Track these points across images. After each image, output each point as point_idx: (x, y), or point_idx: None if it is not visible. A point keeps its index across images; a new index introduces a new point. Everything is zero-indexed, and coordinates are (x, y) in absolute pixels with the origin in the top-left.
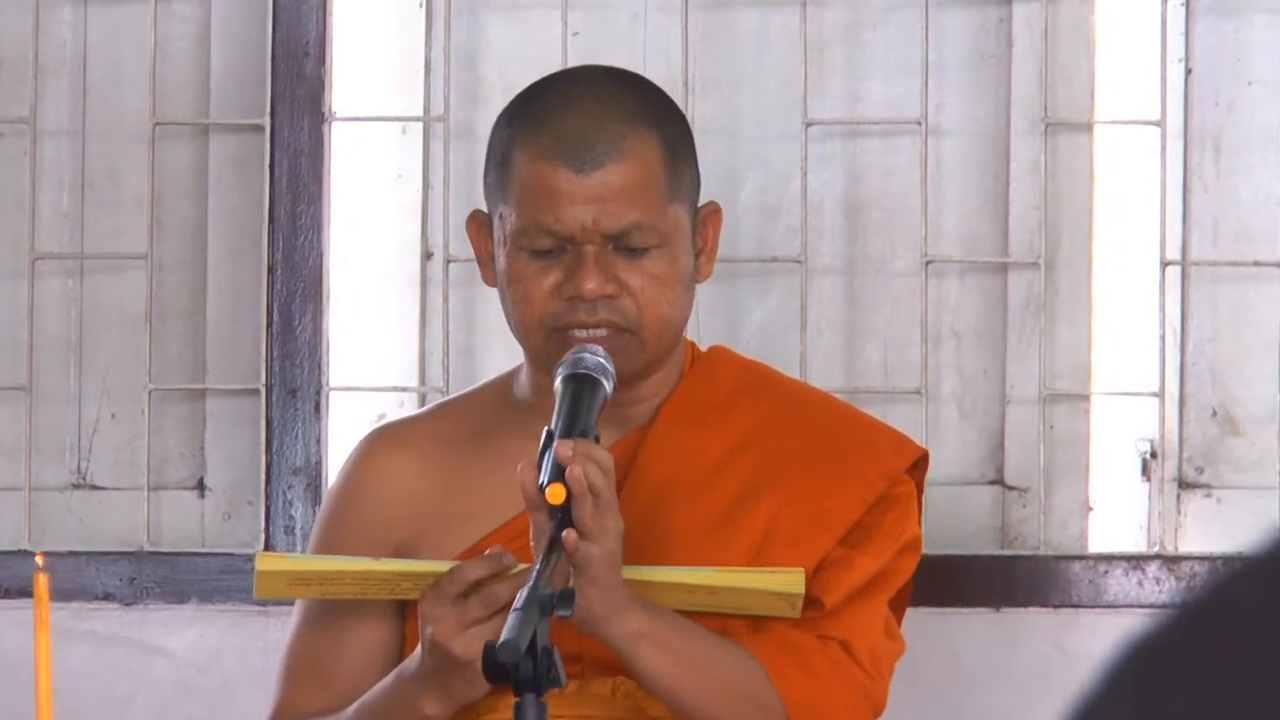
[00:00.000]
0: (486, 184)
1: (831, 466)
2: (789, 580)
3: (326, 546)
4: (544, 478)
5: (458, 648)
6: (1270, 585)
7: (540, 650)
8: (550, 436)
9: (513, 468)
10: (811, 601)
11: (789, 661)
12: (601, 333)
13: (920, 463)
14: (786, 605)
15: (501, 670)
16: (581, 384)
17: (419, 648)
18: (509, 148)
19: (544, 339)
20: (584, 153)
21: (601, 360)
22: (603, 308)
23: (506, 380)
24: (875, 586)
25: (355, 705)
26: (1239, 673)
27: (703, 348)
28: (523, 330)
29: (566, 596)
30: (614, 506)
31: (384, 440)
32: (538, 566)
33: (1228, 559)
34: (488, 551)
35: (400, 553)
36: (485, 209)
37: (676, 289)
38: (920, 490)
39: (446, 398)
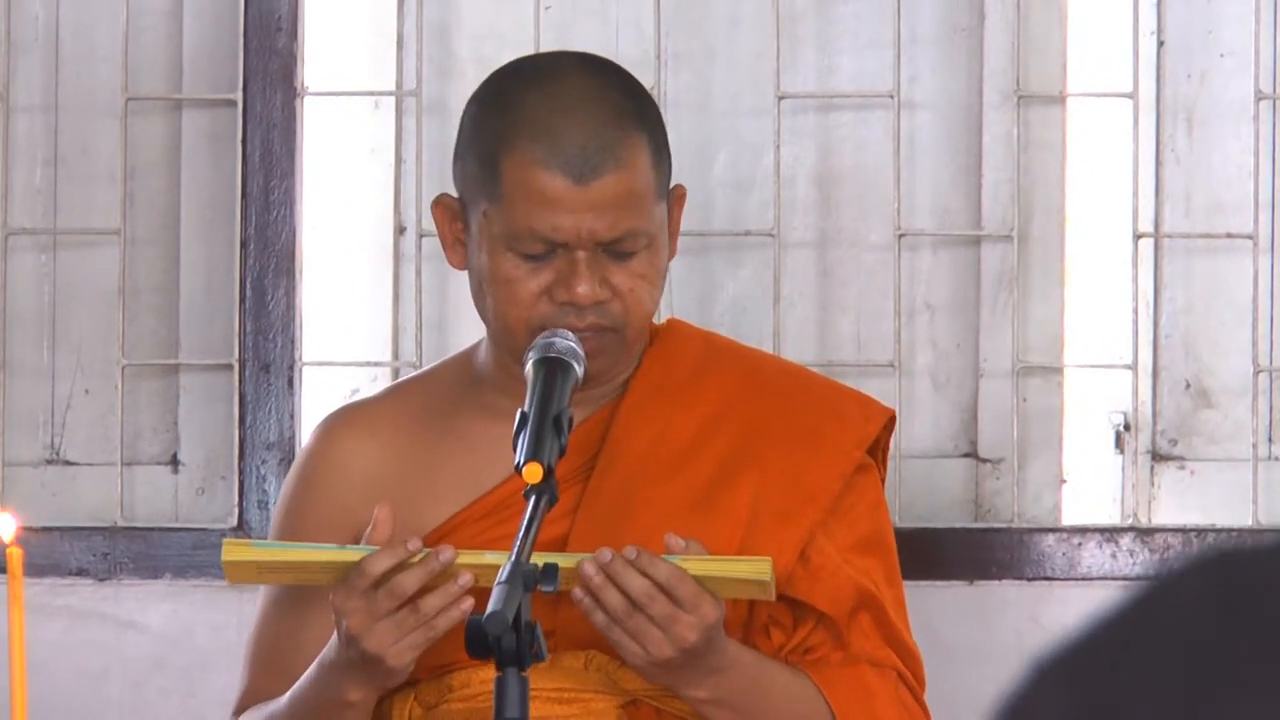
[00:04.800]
0: (465, 174)
1: (806, 439)
2: (756, 568)
3: (287, 534)
4: (520, 458)
5: (370, 642)
6: (1202, 591)
7: (523, 625)
8: (524, 418)
9: (476, 447)
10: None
11: (861, 713)
12: (587, 334)
13: (889, 424)
14: (757, 590)
15: (484, 644)
16: (554, 368)
17: (334, 635)
18: (496, 146)
19: (528, 339)
20: (582, 162)
21: (572, 344)
22: (592, 312)
23: (465, 358)
24: (891, 565)
25: (289, 692)
26: (1171, 675)
27: (684, 322)
28: (505, 328)
29: (550, 572)
30: (663, 622)
31: (342, 423)
32: (518, 542)
33: (1165, 567)
34: (367, 530)
35: (363, 536)
36: (452, 192)
37: (658, 284)
38: (886, 451)
39: (404, 378)
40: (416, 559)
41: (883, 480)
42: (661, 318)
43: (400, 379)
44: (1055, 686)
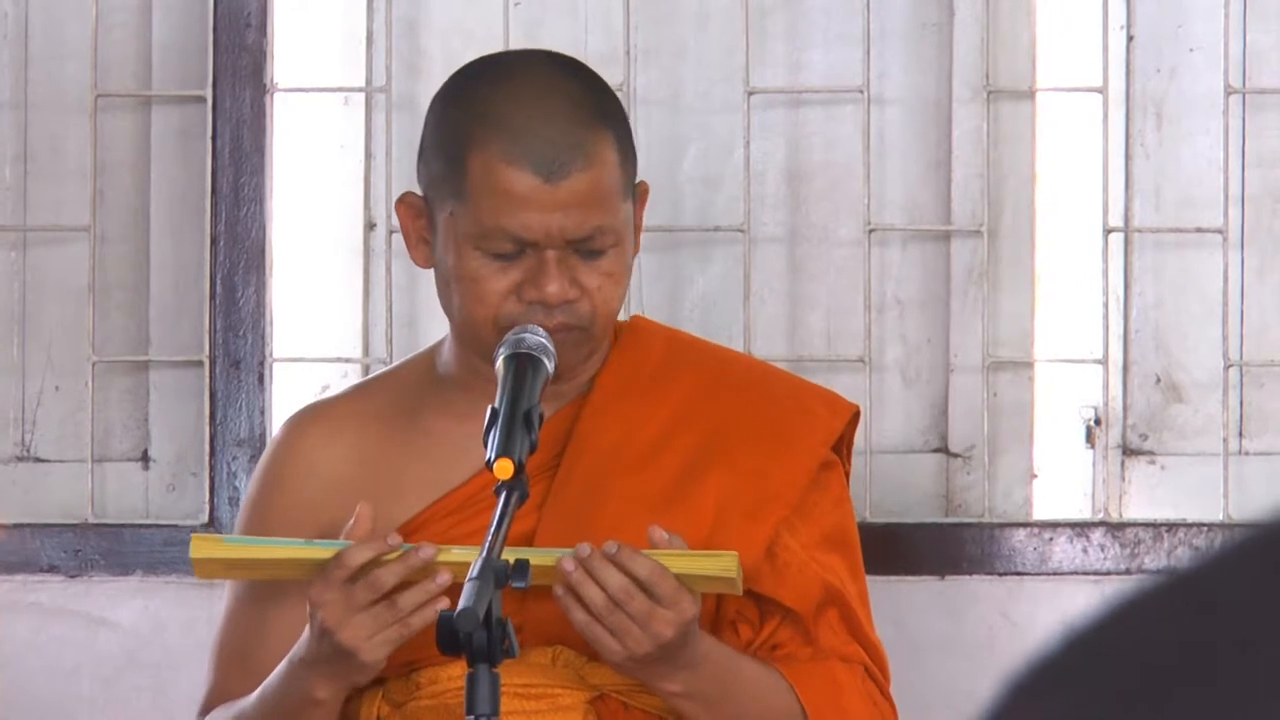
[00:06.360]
0: (430, 173)
1: (773, 436)
2: (722, 564)
3: (253, 530)
4: (491, 454)
5: (345, 634)
6: (1175, 602)
7: (494, 621)
8: (495, 414)
9: (440, 445)
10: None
11: (831, 709)
12: (554, 333)
13: (854, 420)
14: (725, 585)
15: (455, 641)
16: (524, 363)
17: (306, 631)
18: (464, 145)
19: (495, 337)
20: (551, 160)
21: (542, 340)
22: (560, 312)
23: (429, 356)
24: (855, 560)
25: (258, 691)
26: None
27: (648, 319)
28: (472, 327)
29: (521, 568)
30: (641, 619)
31: (308, 421)
32: (489, 539)
33: (1155, 575)
34: (347, 525)
35: (328, 534)
36: (417, 190)
37: (624, 282)
38: (850, 446)
39: (367, 377)
40: (395, 554)
41: (847, 475)
42: (630, 314)
43: (364, 378)
44: (1030, 703)
